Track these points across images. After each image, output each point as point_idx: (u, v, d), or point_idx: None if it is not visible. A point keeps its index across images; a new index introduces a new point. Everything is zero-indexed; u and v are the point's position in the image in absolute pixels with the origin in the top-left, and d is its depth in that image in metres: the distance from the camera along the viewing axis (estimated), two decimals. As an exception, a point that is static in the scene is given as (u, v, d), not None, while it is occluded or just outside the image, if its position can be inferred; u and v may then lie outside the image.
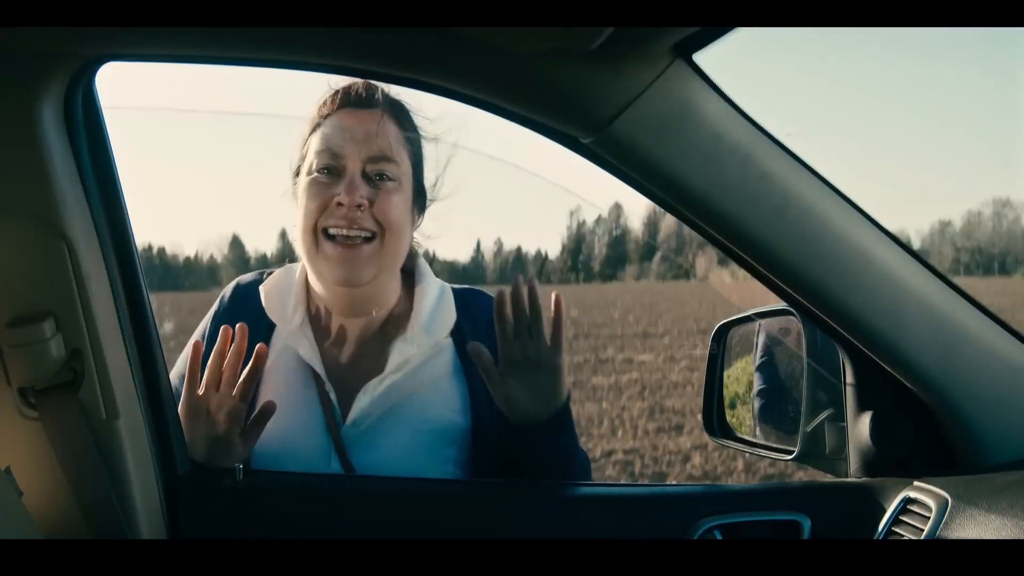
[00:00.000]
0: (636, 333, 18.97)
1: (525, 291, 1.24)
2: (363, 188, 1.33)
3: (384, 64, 1.03)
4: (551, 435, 1.30)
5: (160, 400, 1.22)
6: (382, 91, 1.41)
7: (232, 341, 1.26)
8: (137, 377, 1.18)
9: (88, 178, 1.11)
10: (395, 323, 1.45)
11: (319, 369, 1.39)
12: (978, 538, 0.98)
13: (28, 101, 1.02)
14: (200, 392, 1.27)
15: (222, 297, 1.50)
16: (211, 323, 1.46)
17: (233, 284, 1.51)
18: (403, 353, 1.40)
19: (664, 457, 6.80)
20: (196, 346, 1.30)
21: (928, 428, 1.18)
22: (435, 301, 1.45)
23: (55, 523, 1.10)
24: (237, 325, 1.26)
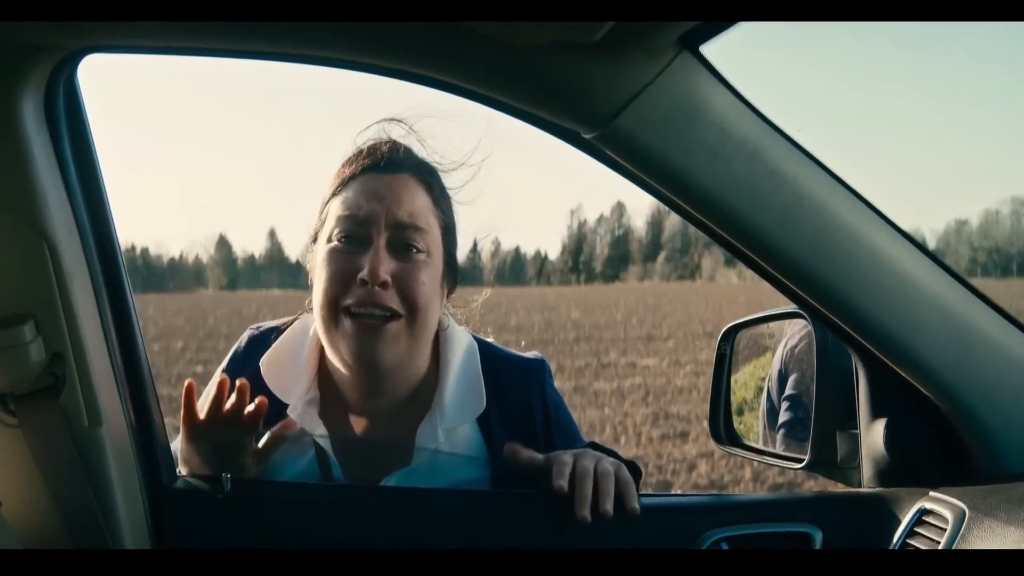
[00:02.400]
0: (640, 336, 19.01)
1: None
2: (388, 262, 1.24)
3: (381, 59, 1.01)
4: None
5: (145, 407, 1.19)
6: (409, 153, 1.32)
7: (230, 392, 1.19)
8: (121, 382, 1.15)
9: (70, 174, 1.08)
10: (417, 406, 1.35)
11: (330, 452, 1.31)
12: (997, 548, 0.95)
13: (7, 94, 0.99)
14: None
15: (236, 350, 1.41)
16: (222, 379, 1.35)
17: (247, 335, 1.42)
18: (425, 442, 1.32)
19: (669, 465, 6.78)
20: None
21: (944, 436, 1.16)
22: (462, 379, 1.35)
23: (35, 533, 1.07)
24: (238, 382, 1.19)
